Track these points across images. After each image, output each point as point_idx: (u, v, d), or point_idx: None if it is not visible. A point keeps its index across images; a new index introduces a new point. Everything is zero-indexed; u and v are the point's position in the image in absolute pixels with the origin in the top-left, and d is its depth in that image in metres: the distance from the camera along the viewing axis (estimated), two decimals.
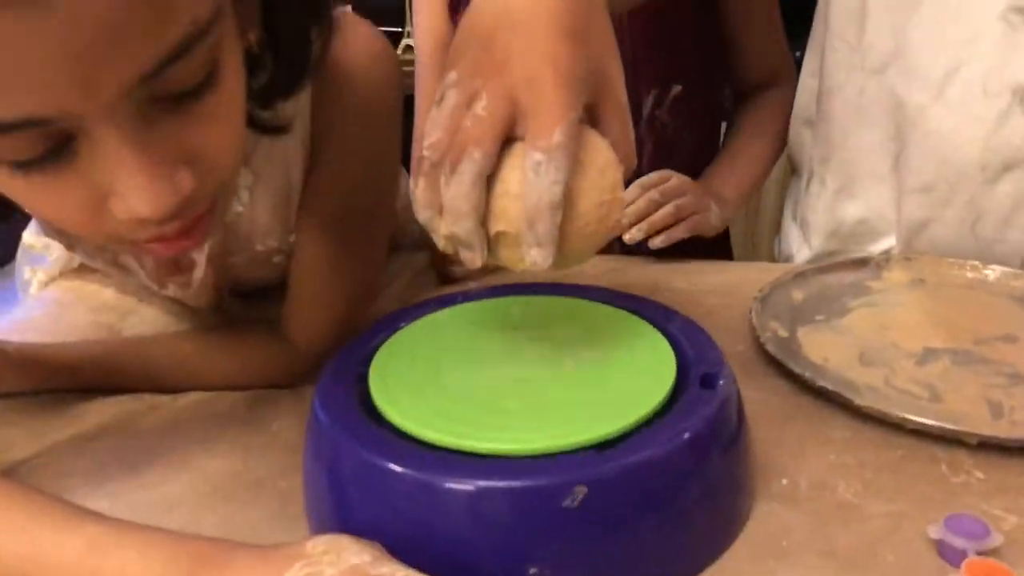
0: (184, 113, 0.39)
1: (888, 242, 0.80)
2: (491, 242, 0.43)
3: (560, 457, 0.43)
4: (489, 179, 0.42)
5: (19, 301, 0.78)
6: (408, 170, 0.85)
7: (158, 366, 0.66)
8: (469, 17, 0.46)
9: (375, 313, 0.66)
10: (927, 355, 0.63)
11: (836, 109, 0.82)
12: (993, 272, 0.72)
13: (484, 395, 0.48)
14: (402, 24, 1.75)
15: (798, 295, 0.71)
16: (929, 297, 0.71)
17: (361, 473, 0.44)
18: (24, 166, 0.38)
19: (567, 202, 0.42)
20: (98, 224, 0.41)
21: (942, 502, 0.50)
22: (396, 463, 0.43)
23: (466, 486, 0.42)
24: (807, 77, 0.88)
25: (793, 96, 0.91)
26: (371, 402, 0.48)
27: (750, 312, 0.67)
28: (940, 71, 0.74)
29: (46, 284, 0.78)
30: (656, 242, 0.78)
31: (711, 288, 0.77)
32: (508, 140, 0.43)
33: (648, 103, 0.91)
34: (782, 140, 0.94)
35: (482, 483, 0.42)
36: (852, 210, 0.82)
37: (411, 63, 1.00)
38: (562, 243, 0.42)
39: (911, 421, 0.54)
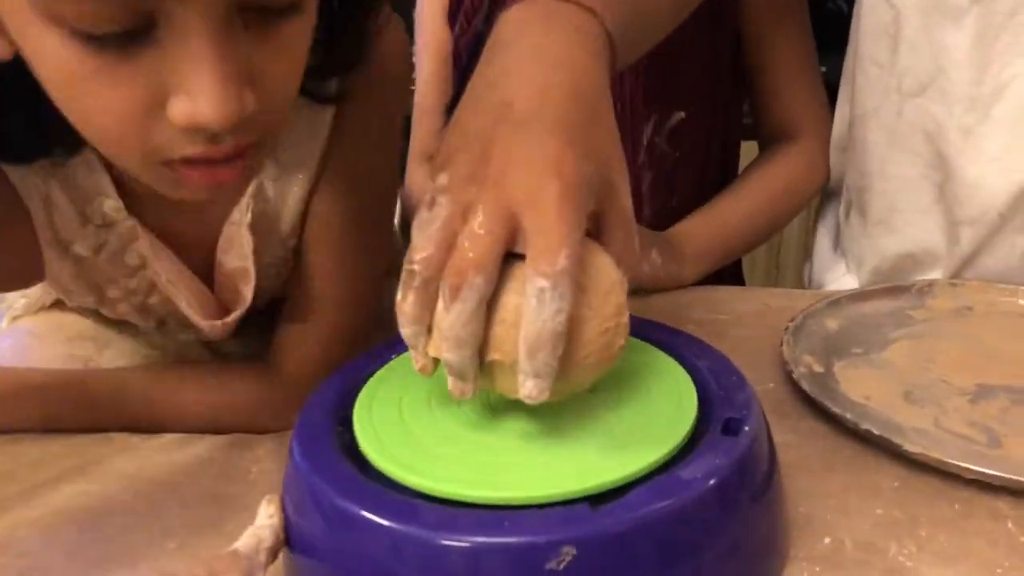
0: (263, 33, 0.40)
1: (935, 276, 0.73)
2: (484, 369, 0.40)
3: (548, 510, 0.38)
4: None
5: None
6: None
7: (131, 397, 0.61)
8: (464, 111, 0.42)
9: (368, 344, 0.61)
10: (981, 392, 0.56)
11: (871, 136, 0.75)
12: None
13: (475, 437, 0.43)
14: None
15: (832, 325, 0.64)
16: (979, 327, 0.64)
17: (335, 519, 0.39)
18: (99, 40, 0.37)
19: (568, 331, 0.38)
20: (145, 130, 0.40)
21: (1012, 567, 0.43)
22: (366, 510, 0.38)
23: (436, 539, 0.37)
24: (842, 103, 0.82)
25: (815, 156, 0.83)
26: (353, 440, 0.43)
27: (781, 344, 0.61)
28: (987, 89, 0.68)
29: (16, 319, 0.73)
30: None
31: (735, 318, 0.70)
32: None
33: (647, 129, 0.84)
34: (785, 203, 0.83)
35: (451, 537, 0.37)
36: (894, 245, 0.75)
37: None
38: (560, 373, 0.39)
39: (970, 471, 0.48)
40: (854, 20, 0.78)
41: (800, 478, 0.49)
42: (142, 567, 0.47)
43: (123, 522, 0.51)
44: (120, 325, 0.71)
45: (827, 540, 0.46)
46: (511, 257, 0.40)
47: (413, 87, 0.67)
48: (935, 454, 0.49)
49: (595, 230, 0.42)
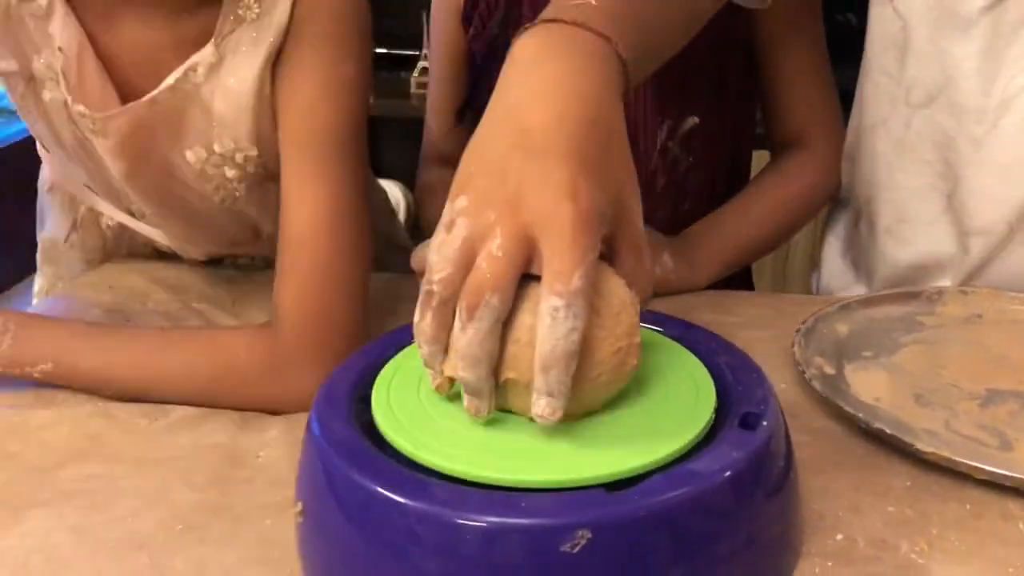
0: None
1: (944, 284, 0.74)
2: (500, 387, 0.41)
3: (565, 494, 0.38)
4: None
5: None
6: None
7: (116, 352, 0.61)
8: (482, 136, 0.43)
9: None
10: (991, 397, 0.57)
11: (879, 146, 0.76)
12: None
13: (494, 423, 0.43)
14: (418, 47, 1.72)
15: (843, 328, 0.64)
16: (988, 334, 0.64)
17: (351, 496, 0.40)
18: None
19: (582, 351, 0.39)
20: None
21: (1023, 566, 0.43)
22: (382, 487, 0.38)
23: (451, 517, 0.37)
24: (853, 114, 0.82)
25: (826, 164, 0.82)
26: (371, 421, 0.43)
27: (792, 346, 0.61)
28: (995, 100, 0.68)
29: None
30: None
31: (744, 320, 0.70)
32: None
33: (661, 134, 0.84)
34: (795, 210, 0.82)
35: (467, 516, 0.37)
36: (903, 255, 0.75)
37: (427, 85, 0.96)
38: (573, 392, 0.40)
39: (982, 471, 0.48)
40: (868, 31, 0.78)
41: (812, 476, 0.49)
42: (151, 549, 0.47)
43: (131, 504, 0.50)
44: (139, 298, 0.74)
45: (839, 537, 0.46)
46: (527, 279, 0.41)
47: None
48: (947, 454, 0.49)
49: (608, 253, 0.43)
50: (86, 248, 0.83)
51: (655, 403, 0.44)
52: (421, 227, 0.95)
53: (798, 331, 0.62)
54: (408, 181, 1.49)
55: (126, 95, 0.64)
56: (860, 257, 0.81)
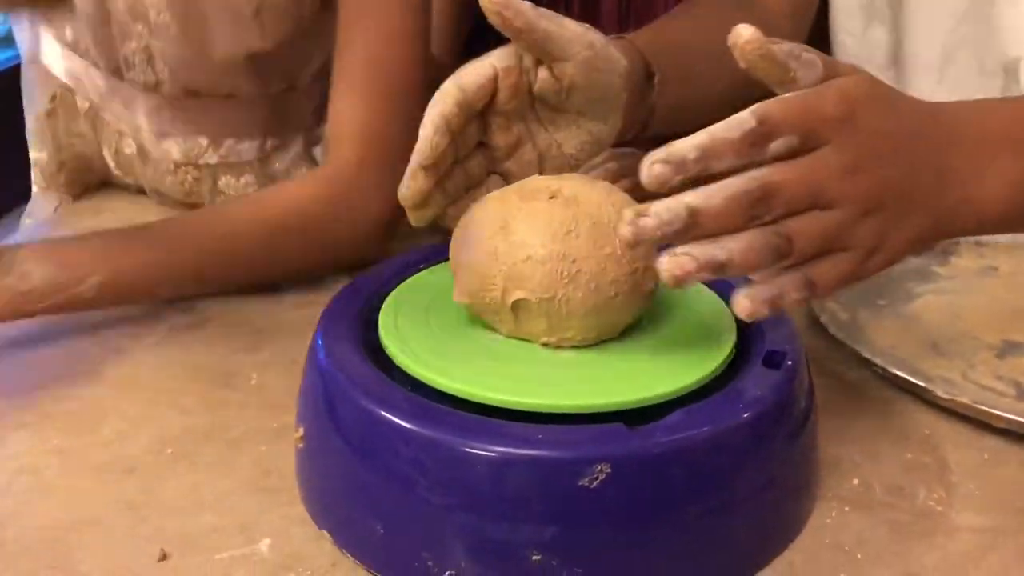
0: None
1: None
2: (510, 309, 0.40)
3: (583, 427, 0.36)
4: (507, 236, 0.39)
5: None
6: None
7: (194, 231, 0.59)
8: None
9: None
10: (1008, 348, 0.55)
11: None
12: None
13: (507, 351, 0.41)
14: None
15: None
16: (1004, 286, 0.63)
17: (357, 422, 0.38)
18: None
19: (598, 270, 0.39)
20: None
21: None
22: (390, 412, 0.37)
23: (462, 445, 0.35)
24: None
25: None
26: (379, 345, 0.41)
27: None
28: (937, 52, 0.70)
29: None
30: None
31: None
32: (525, 194, 0.41)
33: None
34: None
35: (479, 445, 0.35)
36: None
37: None
38: (590, 310, 0.39)
39: (1001, 418, 0.47)
40: None
41: (828, 421, 0.47)
42: (140, 473, 0.45)
43: (117, 427, 0.48)
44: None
45: (856, 482, 0.44)
46: (546, 199, 0.40)
47: None
48: (966, 401, 0.47)
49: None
50: (69, 130, 0.77)
51: (674, 334, 0.42)
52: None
53: None
54: None
55: None
56: None
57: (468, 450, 0.35)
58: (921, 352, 0.55)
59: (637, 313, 0.42)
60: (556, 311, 0.39)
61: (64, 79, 0.73)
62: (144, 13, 0.65)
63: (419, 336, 0.41)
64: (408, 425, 0.36)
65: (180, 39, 0.66)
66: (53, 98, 0.75)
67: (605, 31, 0.48)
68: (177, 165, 0.72)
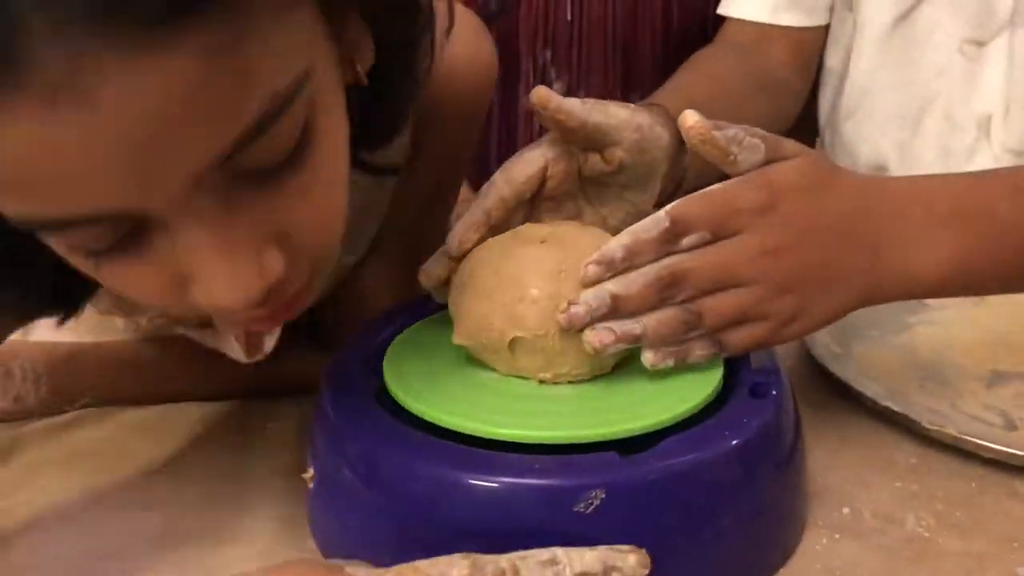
0: (272, 188, 0.33)
1: None
2: (508, 348, 0.42)
3: (577, 456, 0.38)
4: (502, 279, 0.41)
5: None
6: None
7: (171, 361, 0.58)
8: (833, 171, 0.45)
9: None
10: (996, 378, 0.57)
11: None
12: None
13: (506, 387, 0.43)
14: None
15: None
16: (993, 317, 0.64)
17: (363, 460, 0.40)
18: (95, 255, 0.33)
19: None
20: (182, 300, 0.35)
21: None
22: (395, 450, 0.39)
23: (466, 479, 0.37)
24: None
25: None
26: (384, 390, 0.44)
27: None
28: (914, 106, 0.74)
29: None
30: None
31: None
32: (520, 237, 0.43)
33: None
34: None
35: (481, 477, 0.37)
36: None
37: None
38: (583, 352, 0.41)
39: (988, 449, 0.48)
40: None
41: (818, 451, 0.50)
42: (162, 510, 0.47)
43: (141, 468, 0.51)
44: None
45: (846, 510, 0.46)
46: (537, 243, 0.42)
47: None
48: (952, 432, 0.49)
49: None
50: None
51: (663, 369, 0.44)
52: None
53: None
54: None
55: None
56: None
57: (470, 482, 0.37)
58: (911, 382, 0.56)
59: (628, 349, 0.44)
60: (551, 348, 0.42)
61: None
62: None
63: (422, 378, 0.43)
64: (411, 461, 0.38)
65: None
66: None
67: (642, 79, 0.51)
68: None
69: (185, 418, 0.55)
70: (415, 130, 0.55)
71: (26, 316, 0.44)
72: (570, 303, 0.40)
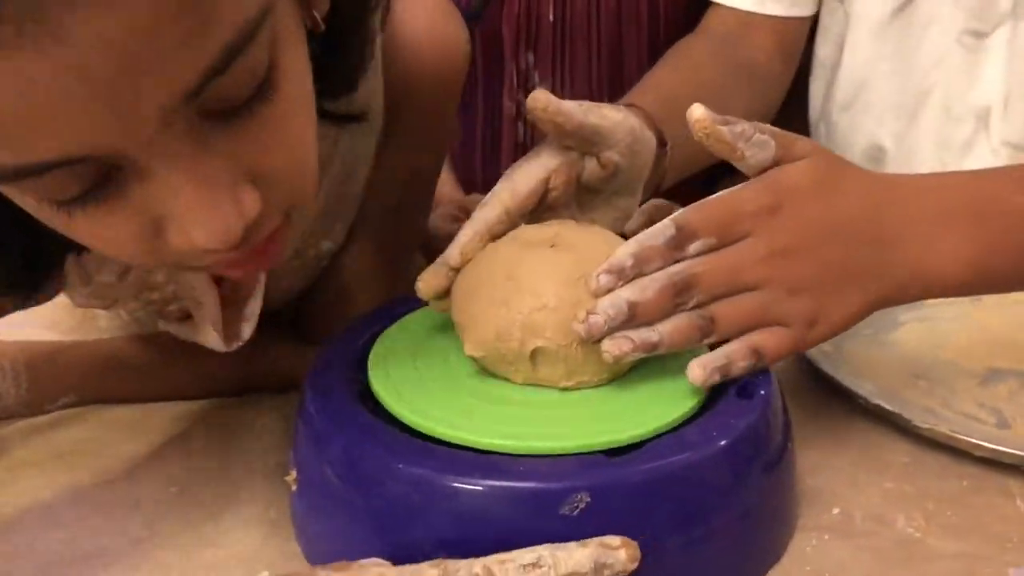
0: (241, 126, 0.33)
1: None
2: (527, 358, 0.41)
3: (563, 459, 0.38)
4: (518, 287, 0.41)
5: None
6: None
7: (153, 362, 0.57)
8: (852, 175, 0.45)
9: None
10: (990, 376, 0.56)
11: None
12: None
13: (492, 392, 0.43)
14: None
15: None
16: (987, 315, 0.64)
17: (347, 462, 0.39)
18: (67, 204, 0.33)
19: None
20: (157, 254, 0.35)
21: (1022, 542, 0.43)
22: (379, 451, 0.38)
23: (449, 481, 0.37)
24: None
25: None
26: (368, 391, 0.43)
27: None
28: (911, 97, 0.73)
29: None
30: None
31: None
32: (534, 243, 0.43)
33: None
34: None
35: (464, 480, 0.37)
36: None
37: None
38: (594, 359, 0.41)
39: (982, 447, 0.48)
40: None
41: (809, 452, 0.49)
42: (145, 510, 0.46)
43: (124, 467, 0.50)
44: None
45: (836, 511, 0.45)
46: (548, 248, 0.42)
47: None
48: (945, 431, 0.49)
49: None
50: None
51: (653, 374, 0.44)
52: None
53: None
54: None
55: None
56: None
57: (453, 484, 0.37)
58: (904, 380, 0.56)
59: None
60: (573, 357, 0.41)
61: None
62: None
63: (406, 381, 0.43)
64: (393, 462, 0.38)
65: None
66: None
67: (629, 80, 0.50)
68: None
69: (169, 417, 0.55)
70: (387, 109, 0.55)
71: None
72: (589, 312, 0.40)
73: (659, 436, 0.39)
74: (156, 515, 0.46)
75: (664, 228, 0.41)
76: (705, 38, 0.75)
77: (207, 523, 0.45)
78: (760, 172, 0.44)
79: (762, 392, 0.42)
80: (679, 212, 0.42)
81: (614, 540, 0.36)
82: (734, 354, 0.42)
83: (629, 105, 0.51)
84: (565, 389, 0.42)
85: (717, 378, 0.41)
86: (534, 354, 0.41)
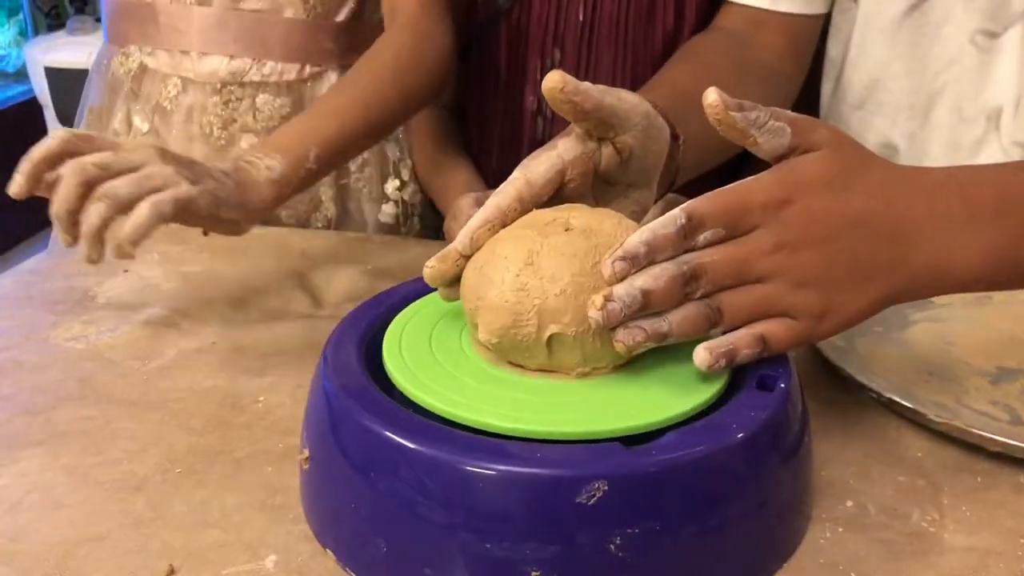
0: None
1: None
2: (544, 344, 0.41)
3: (580, 446, 0.37)
4: (537, 273, 0.41)
5: None
6: None
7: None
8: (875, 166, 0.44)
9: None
10: (1002, 375, 0.56)
11: None
12: None
13: (508, 377, 0.42)
14: None
15: None
16: (997, 315, 0.64)
17: (362, 443, 0.39)
18: None
19: None
20: None
21: None
22: (395, 434, 0.38)
23: (465, 464, 0.36)
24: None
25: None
26: (381, 373, 0.42)
27: None
28: (923, 97, 0.73)
29: None
30: None
31: None
32: (545, 224, 0.43)
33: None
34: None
35: (481, 464, 0.36)
36: None
37: None
38: (604, 343, 0.41)
39: (995, 442, 0.47)
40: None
41: (823, 444, 0.49)
42: (148, 491, 0.46)
43: (126, 447, 0.49)
44: None
45: (850, 503, 0.45)
46: (563, 232, 0.41)
47: None
48: (959, 424, 0.48)
49: None
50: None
51: (672, 363, 0.43)
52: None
53: None
54: None
55: None
56: None
57: (469, 468, 0.36)
58: (916, 378, 0.55)
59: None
60: (591, 343, 0.41)
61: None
62: None
63: (422, 363, 0.42)
64: (410, 444, 0.37)
65: None
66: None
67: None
68: (223, 84, 0.80)
69: (172, 395, 0.54)
70: None
71: None
72: (606, 299, 0.39)
73: (677, 425, 0.39)
74: (160, 497, 0.45)
75: (675, 217, 0.41)
76: (717, 36, 0.75)
77: (212, 505, 0.44)
78: (777, 159, 0.43)
79: (782, 385, 0.42)
80: (690, 201, 0.42)
81: None
82: (739, 341, 0.42)
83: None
84: (579, 375, 0.42)
85: (723, 363, 0.41)
86: (551, 340, 0.41)
